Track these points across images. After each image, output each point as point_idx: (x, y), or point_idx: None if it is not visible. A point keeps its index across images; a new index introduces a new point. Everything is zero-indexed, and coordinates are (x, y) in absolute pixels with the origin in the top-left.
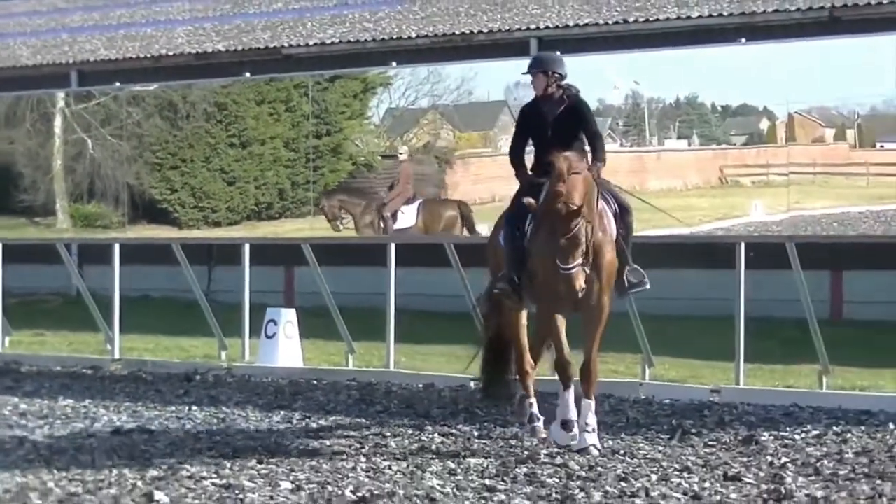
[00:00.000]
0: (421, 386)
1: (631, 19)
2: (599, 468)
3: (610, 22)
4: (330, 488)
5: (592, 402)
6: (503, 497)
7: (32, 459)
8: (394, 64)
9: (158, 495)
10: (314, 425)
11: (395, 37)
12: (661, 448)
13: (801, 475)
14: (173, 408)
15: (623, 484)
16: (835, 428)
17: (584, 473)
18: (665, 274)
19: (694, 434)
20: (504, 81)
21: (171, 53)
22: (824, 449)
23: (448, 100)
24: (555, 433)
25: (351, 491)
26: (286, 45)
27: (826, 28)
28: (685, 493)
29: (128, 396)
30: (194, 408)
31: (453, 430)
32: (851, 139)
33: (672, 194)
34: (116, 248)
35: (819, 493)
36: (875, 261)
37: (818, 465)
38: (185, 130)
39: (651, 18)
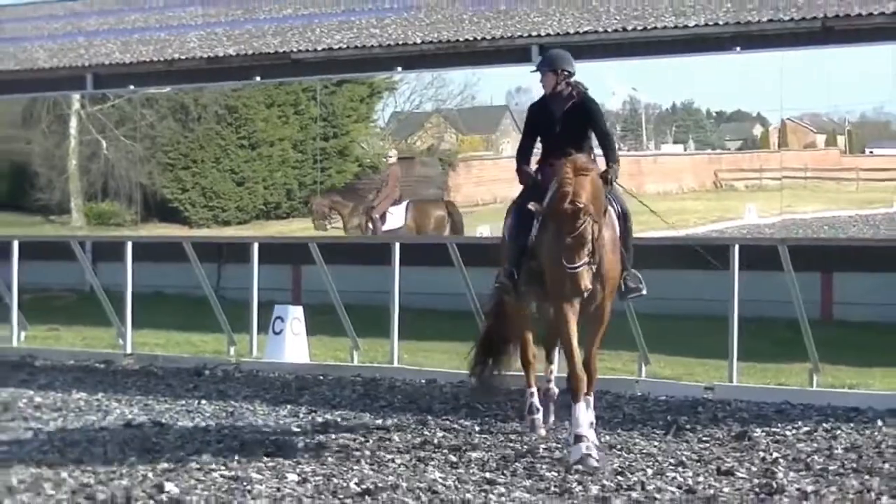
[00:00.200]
0: (423, 382)
1: (629, 27)
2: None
3: (609, 30)
4: (335, 480)
5: (591, 399)
6: (503, 490)
7: (46, 451)
8: (399, 69)
9: (168, 486)
10: (320, 419)
11: (400, 43)
12: (656, 443)
13: (792, 470)
14: (183, 401)
15: (620, 478)
16: (825, 424)
17: (581, 467)
18: (661, 274)
19: (688, 430)
20: (506, 87)
21: (183, 57)
22: (815, 445)
23: (452, 104)
24: (574, 454)
25: (356, 483)
26: (295, 50)
27: (818, 37)
28: (680, 487)
29: (139, 390)
30: (203, 402)
31: (455, 425)
32: (842, 145)
33: (668, 197)
34: (129, 245)
35: (809, 488)
36: (864, 263)
37: (809, 460)
38: (196, 132)
39: (649, 27)
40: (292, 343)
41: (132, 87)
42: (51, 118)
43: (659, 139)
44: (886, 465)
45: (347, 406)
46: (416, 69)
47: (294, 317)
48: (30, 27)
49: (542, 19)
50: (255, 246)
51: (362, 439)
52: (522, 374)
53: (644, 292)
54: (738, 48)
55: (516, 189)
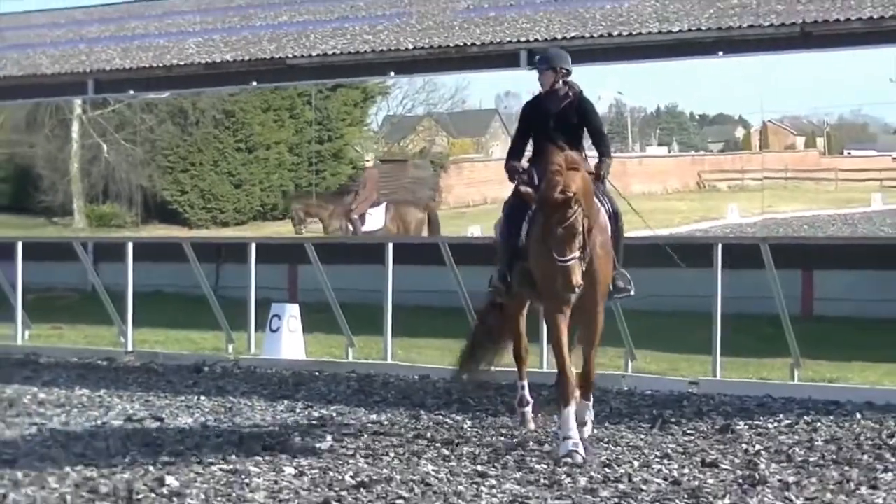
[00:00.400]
0: (417, 377)
1: (615, 33)
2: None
3: (595, 35)
4: (331, 473)
5: (590, 402)
6: (494, 482)
7: (50, 445)
8: (392, 74)
9: (169, 479)
10: (316, 414)
11: (392, 48)
12: (642, 436)
13: (773, 462)
14: (183, 397)
15: (607, 470)
16: (805, 417)
17: (570, 460)
18: (647, 273)
19: (674, 423)
20: (495, 91)
21: (182, 63)
22: (796, 437)
23: (443, 108)
24: (562, 449)
25: (351, 476)
26: (290, 55)
27: (798, 43)
28: (665, 479)
29: (140, 386)
30: (203, 397)
31: (447, 419)
32: (821, 147)
33: (653, 198)
34: (130, 246)
35: (791, 479)
36: (843, 261)
37: (790, 452)
38: (194, 136)
39: (634, 32)
40: (289, 340)
41: (132, 92)
42: (53, 122)
43: (644, 141)
44: (865, 457)
45: (343, 401)
46: (408, 74)
47: (290, 315)
48: (33, 34)
49: (531, 25)
50: (253, 246)
51: (357, 433)
52: (514, 368)
53: (632, 293)
54: (721, 53)
55: (507, 190)
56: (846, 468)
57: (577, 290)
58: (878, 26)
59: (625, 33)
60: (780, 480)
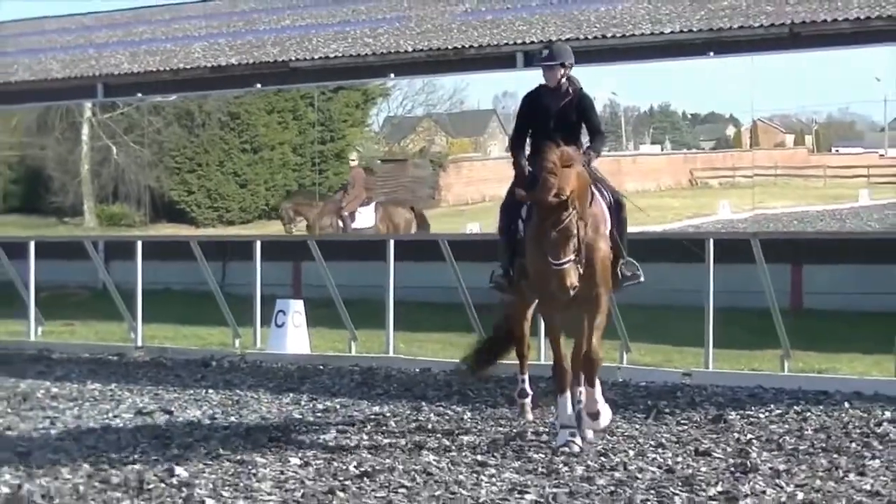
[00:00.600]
0: (418, 370)
1: (609, 35)
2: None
3: (590, 37)
4: (335, 463)
5: (596, 389)
6: (493, 471)
7: (63, 438)
8: (392, 76)
9: (179, 470)
10: (320, 406)
11: (393, 51)
12: (637, 426)
13: (765, 450)
14: (191, 391)
15: (603, 459)
16: (795, 407)
17: (567, 450)
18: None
19: (667, 413)
20: (493, 91)
21: (188, 67)
22: (786, 426)
23: (442, 109)
24: (559, 438)
25: (354, 466)
26: (293, 58)
27: (787, 43)
28: (660, 467)
29: (150, 381)
30: (211, 391)
31: (448, 411)
32: (810, 144)
33: (647, 195)
34: (139, 244)
35: (781, 466)
36: (832, 255)
37: (780, 440)
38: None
39: (627, 34)
40: (294, 335)
41: (140, 95)
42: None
43: (637, 140)
44: (853, 445)
45: (346, 394)
46: (408, 76)
47: (295, 310)
48: (44, 40)
49: (527, 27)
50: (258, 244)
51: (360, 424)
52: (512, 362)
53: (642, 279)
54: (712, 53)
55: (505, 188)
56: (835, 456)
57: (571, 292)
58: (864, 26)
59: (618, 35)
60: (770, 468)
